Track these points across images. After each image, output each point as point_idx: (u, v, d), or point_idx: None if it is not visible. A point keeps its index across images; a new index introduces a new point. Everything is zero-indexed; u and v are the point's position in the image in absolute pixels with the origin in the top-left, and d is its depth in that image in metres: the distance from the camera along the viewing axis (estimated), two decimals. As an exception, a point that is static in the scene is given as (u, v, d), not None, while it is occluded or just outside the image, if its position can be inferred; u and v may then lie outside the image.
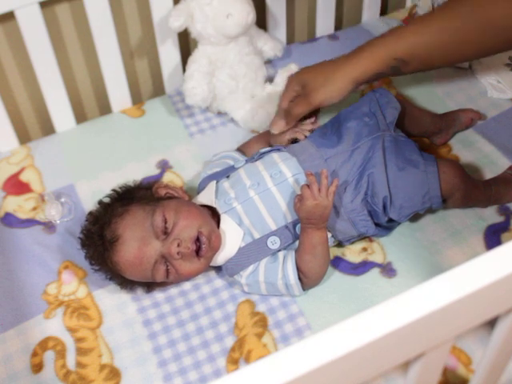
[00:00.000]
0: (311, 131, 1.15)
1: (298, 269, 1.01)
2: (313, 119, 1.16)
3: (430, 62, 1.05)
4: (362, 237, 1.10)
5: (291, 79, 1.13)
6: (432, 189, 1.06)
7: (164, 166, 1.28)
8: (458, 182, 1.07)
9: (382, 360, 0.58)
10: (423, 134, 1.24)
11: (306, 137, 1.14)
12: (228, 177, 1.11)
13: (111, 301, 1.07)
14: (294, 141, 1.14)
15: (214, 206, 1.06)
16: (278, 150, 1.12)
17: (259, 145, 1.19)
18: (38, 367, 1.00)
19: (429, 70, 1.10)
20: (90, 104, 1.46)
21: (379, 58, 1.04)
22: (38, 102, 1.37)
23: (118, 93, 1.37)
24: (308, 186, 0.99)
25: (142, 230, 1.00)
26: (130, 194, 1.09)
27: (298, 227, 1.03)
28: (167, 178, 1.25)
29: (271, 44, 1.40)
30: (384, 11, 1.61)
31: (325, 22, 1.52)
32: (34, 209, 1.21)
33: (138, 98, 1.47)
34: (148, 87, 1.51)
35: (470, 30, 1.00)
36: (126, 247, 0.99)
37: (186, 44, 1.44)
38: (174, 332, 1.03)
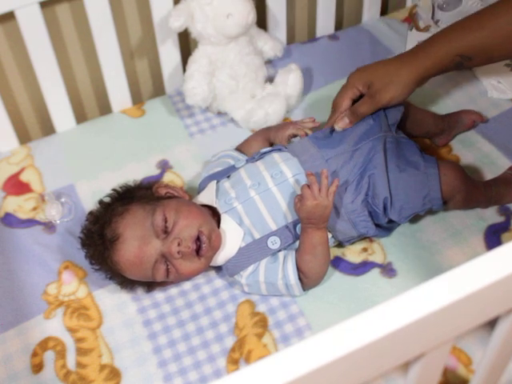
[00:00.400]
0: (312, 130, 1.15)
1: (299, 269, 1.01)
2: (313, 118, 1.16)
3: (493, 56, 1.05)
4: (362, 237, 1.10)
5: (353, 78, 1.11)
6: (432, 190, 1.06)
7: (164, 166, 1.28)
8: (458, 184, 1.07)
9: (382, 360, 0.58)
10: (425, 135, 1.24)
11: (306, 134, 1.14)
12: (228, 177, 1.11)
13: (111, 301, 1.07)
14: (294, 136, 1.16)
15: (215, 205, 1.06)
16: (279, 150, 1.12)
17: (258, 143, 1.19)
18: (38, 367, 1.00)
19: (490, 63, 1.09)
20: (90, 104, 1.46)
21: (443, 55, 1.04)
22: (38, 102, 1.37)
23: (118, 93, 1.37)
24: (308, 186, 0.99)
25: (142, 229, 1.00)
26: (131, 193, 1.09)
27: (298, 227, 1.03)
28: (167, 178, 1.25)
29: (271, 44, 1.40)
30: (384, 11, 1.61)
31: (325, 22, 1.52)
32: (34, 209, 1.21)
33: (138, 98, 1.47)
34: (148, 87, 1.51)
35: None
36: (126, 246, 0.99)
37: (186, 44, 1.44)
38: (174, 332, 1.03)
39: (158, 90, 1.49)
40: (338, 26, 1.59)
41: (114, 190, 1.10)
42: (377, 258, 1.09)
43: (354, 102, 1.12)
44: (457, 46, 1.03)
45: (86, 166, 1.28)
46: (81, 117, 1.43)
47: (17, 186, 1.26)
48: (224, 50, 1.29)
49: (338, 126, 1.11)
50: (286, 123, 1.21)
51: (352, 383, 0.58)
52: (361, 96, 1.11)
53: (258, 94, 1.33)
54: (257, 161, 1.11)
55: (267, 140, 1.19)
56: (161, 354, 1.00)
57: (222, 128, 1.34)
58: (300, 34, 1.61)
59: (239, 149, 1.21)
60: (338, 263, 1.09)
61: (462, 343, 0.96)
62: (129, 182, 1.13)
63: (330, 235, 1.05)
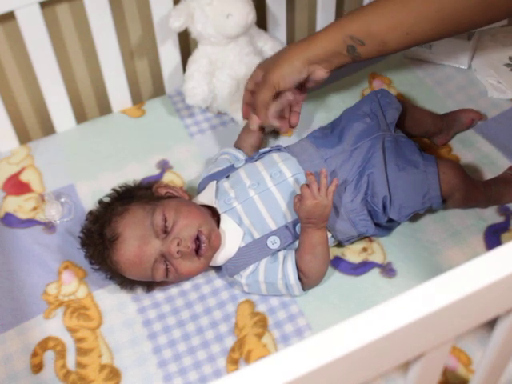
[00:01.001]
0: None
1: (298, 269, 1.01)
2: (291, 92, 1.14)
3: (385, 42, 1.05)
4: (362, 237, 1.10)
5: (257, 66, 1.15)
6: (432, 189, 1.06)
7: (164, 166, 1.28)
8: (457, 183, 1.07)
9: (382, 360, 0.58)
10: (424, 135, 1.24)
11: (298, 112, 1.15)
12: (228, 176, 1.11)
13: (111, 301, 1.07)
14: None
15: (214, 205, 1.06)
16: (278, 149, 1.12)
17: (250, 135, 1.19)
18: (37, 367, 1.00)
19: (386, 53, 1.09)
20: (90, 104, 1.46)
21: (334, 37, 1.05)
22: (38, 102, 1.37)
23: (118, 93, 1.37)
24: (307, 185, 0.99)
25: (141, 228, 1.00)
26: (130, 193, 1.09)
27: (297, 227, 1.03)
28: (167, 178, 1.25)
29: (271, 44, 1.40)
30: (384, 11, 1.61)
31: (325, 22, 1.51)
32: (34, 209, 1.21)
33: (138, 98, 1.47)
34: (148, 87, 1.51)
35: (426, 9, 1.00)
36: (125, 246, 0.99)
37: (186, 44, 1.44)
38: (174, 332, 1.03)
39: (158, 89, 1.49)
40: (338, 26, 1.59)
41: (113, 189, 1.11)
42: (377, 257, 1.09)
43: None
44: (348, 28, 1.04)
45: (86, 166, 1.28)
46: (81, 117, 1.43)
47: (17, 185, 1.26)
48: (224, 50, 1.29)
49: (252, 126, 1.13)
50: None
51: (352, 383, 0.58)
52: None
53: (258, 94, 1.33)
54: (256, 161, 1.12)
55: (258, 132, 1.19)
56: (161, 354, 1.00)
57: (222, 128, 1.34)
58: (300, 34, 1.61)
59: (237, 146, 1.21)
60: (337, 263, 1.09)
61: (462, 343, 0.96)
62: (129, 182, 1.13)
63: (329, 235, 1.05)
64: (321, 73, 1.09)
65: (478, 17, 1.00)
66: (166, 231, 1.00)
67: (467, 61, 1.38)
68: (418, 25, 1.02)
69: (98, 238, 1.02)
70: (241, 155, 1.17)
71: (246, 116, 1.18)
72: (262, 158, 1.12)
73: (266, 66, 1.11)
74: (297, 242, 1.04)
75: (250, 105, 1.15)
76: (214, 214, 1.06)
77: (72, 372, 0.99)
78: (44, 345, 1.02)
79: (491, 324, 0.68)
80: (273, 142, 1.27)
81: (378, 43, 1.05)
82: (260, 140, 1.21)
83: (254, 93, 1.14)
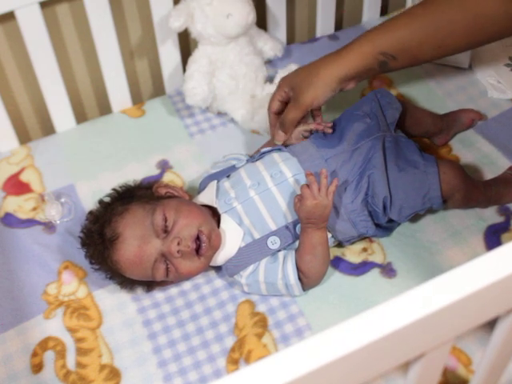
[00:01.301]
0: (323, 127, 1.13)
1: (298, 269, 1.01)
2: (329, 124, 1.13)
3: (417, 56, 1.05)
4: (362, 237, 1.10)
5: (281, 83, 1.12)
6: (432, 189, 1.06)
7: (164, 166, 1.28)
8: (458, 183, 1.07)
9: (382, 360, 0.58)
10: (424, 135, 1.24)
11: (317, 129, 1.12)
12: (229, 176, 1.11)
13: (111, 301, 1.07)
14: (307, 132, 1.13)
15: (215, 205, 1.06)
16: (279, 149, 1.12)
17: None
18: (38, 367, 1.00)
19: (417, 64, 1.08)
20: (90, 104, 1.46)
21: (366, 54, 1.03)
22: (38, 102, 1.37)
23: (118, 93, 1.37)
24: (308, 185, 0.99)
25: (142, 228, 1.00)
26: (131, 193, 1.09)
27: (298, 227, 1.03)
28: (167, 178, 1.25)
29: (271, 44, 1.40)
30: (384, 11, 1.61)
31: (325, 22, 1.52)
32: (34, 209, 1.21)
33: (138, 98, 1.47)
34: (148, 87, 1.51)
35: (458, 22, 0.99)
36: (126, 246, 0.99)
37: (186, 44, 1.44)
38: (174, 332, 1.03)
39: (158, 89, 1.49)
40: (338, 26, 1.59)
41: (113, 189, 1.11)
42: (377, 258, 1.09)
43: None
44: (379, 44, 1.02)
45: (86, 166, 1.28)
46: (81, 117, 1.43)
47: (17, 186, 1.26)
48: (224, 50, 1.29)
49: (277, 141, 1.11)
50: None
51: (352, 383, 0.58)
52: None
53: (258, 94, 1.33)
54: (257, 161, 1.12)
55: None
56: (161, 354, 1.00)
57: (222, 128, 1.34)
58: (300, 34, 1.61)
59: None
60: (337, 263, 1.09)
61: (462, 343, 0.96)
62: (129, 182, 1.13)
63: (329, 235, 1.05)
64: (350, 87, 1.08)
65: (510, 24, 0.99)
66: (166, 231, 1.00)
67: (467, 61, 1.38)
68: (451, 37, 1.01)
69: (98, 238, 1.02)
70: (243, 156, 1.17)
71: (277, 138, 1.13)
72: (262, 158, 1.12)
73: (295, 85, 1.07)
74: (297, 243, 1.04)
75: (274, 124, 1.13)
76: (214, 214, 1.06)
77: (72, 372, 0.99)
78: (44, 345, 1.02)
79: (491, 324, 0.68)
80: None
81: (409, 57, 1.04)
82: None
83: (278, 111, 1.13)
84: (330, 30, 1.54)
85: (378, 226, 1.08)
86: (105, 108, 1.44)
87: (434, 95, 1.35)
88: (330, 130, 1.11)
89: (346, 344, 0.53)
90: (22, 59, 1.30)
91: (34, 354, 1.01)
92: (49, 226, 1.18)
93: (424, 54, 1.04)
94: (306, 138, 1.14)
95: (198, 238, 1.00)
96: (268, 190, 1.05)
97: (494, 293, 0.58)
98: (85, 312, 1.06)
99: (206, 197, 1.09)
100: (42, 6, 1.21)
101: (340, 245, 1.10)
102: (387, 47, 1.02)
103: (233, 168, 1.13)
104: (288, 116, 1.09)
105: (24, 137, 1.40)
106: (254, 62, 1.31)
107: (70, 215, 1.20)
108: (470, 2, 0.98)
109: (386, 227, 1.09)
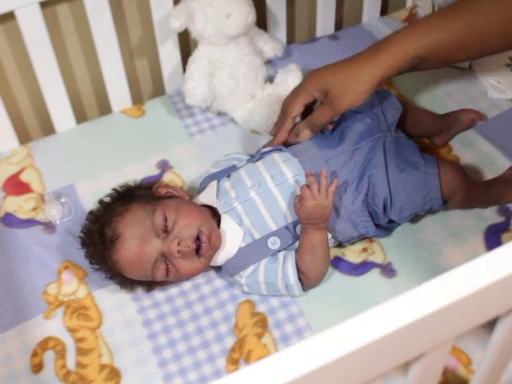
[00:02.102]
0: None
1: (298, 269, 1.01)
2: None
3: (448, 58, 1.03)
4: (363, 237, 1.10)
5: (308, 83, 1.07)
6: (432, 190, 1.06)
7: (164, 166, 1.28)
8: (458, 184, 1.07)
9: (382, 360, 0.58)
10: (424, 135, 1.24)
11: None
12: (229, 176, 1.11)
13: (111, 301, 1.07)
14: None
15: (215, 205, 1.06)
16: (280, 150, 1.12)
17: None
18: (38, 367, 1.00)
19: (445, 66, 1.07)
20: (90, 104, 1.46)
21: (401, 58, 1.00)
22: (38, 102, 1.37)
23: (118, 93, 1.37)
24: (308, 186, 0.99)
25: (142, 228, 1.00)
26: (131, 193, 1.09)
27: (298, 228, 1.03)
28: (167, 178, 1.25)
29: (271, 44, 1.40)
30: (384, 11, 1.61)
31: (325, 22, 1.52)
32: (34, 209, 1.21)
33: (138, 98, 1.47)
34: (148, 87, 1.51)
35: (496, 23, 0.97)
36: (126, 245, 0.99)
37: (187, 44, 1.44)
38: (174, 332, 1.03)
39: (158, 89, 1.49)
40: (338, 26, 1.59)
41: (114, 189, 1.11)
42: (377, 258, 1.09)
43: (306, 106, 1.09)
44: (414, 47, 1.00)
45: (86, 166, 1.28)
46: (81, 117, 1.43)
47: (17, 186, 1.26)
48: (224, 50, 1.29)
49: (301, 139, 1.09)
50: None
51: (352, 383, 0.58)
52: (314, 101, 1.08)
53: (258, 94, 1.33)
54: (257, 161, 1.12)
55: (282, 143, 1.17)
56: (161, 354, 1.00)
57: (222, 128, 1.34)
58: (300, 34, 1.61)
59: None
60: (337, 263, 1.09)
61: (462, 343, 0.96)
62: (129, 182, 1.13)
63: (329, 235, 1.05)
64: (379, 87, 1.06)
65: None
66: (166, 231, 1.00)
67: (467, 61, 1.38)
68: (490, 38, 0.99)
69: (98, 238, 1.02)
70: (243, 156, 1.17)
71: (304, 136, 1.10)
72: (263, 158, 1.12)
73: (330, 89, 1.03)
74: (297, 243, 1.04)
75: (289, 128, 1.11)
76: (214, 214, 1.06)
77: (72, 372, 0.99)
78: (44, 345, 1.02)
79: (491, 324, 0.68)
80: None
81: (442, 60, 1.03)
82: None
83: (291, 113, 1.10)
84: (330, 30, 1.54)
85: (378, 226, 1.08)
86: (105, 108, 1.44)
87: (434, 95, 1.35)
88: (330, 127, 1.11)
89: (346, 344, 0.53)
90: (22, 59, 1.30)
91: (34, 354, 1.01)
92: (49, 226, 1.18)
93: (456, 57, 1.03)
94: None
95: (198, 238, 1.00)
96: (268, 191, 1.05)
97: (494, 293, 0.58)
98: (85, 312, 1.06)
99: (207, 197, 1.08)
100: (42, 5, 1.21)
101: (340, 245, 1.10)
102: (422, 51, 0.99)
103: (233, 168, 1.12)
104: (320, 119, 1.06)
105: (24, 137, 1.40)
106: (254, 62, 1.31)
107: (70, 215, 1.20)
108: (503, 4, 0.96)
109: (386, 228, 1.09)
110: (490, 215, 1.13)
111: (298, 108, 1.08)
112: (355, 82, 1.01)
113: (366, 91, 1.02)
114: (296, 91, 1.09)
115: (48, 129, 1.40)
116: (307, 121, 1.08)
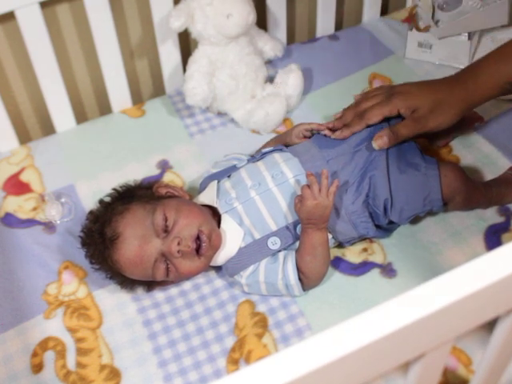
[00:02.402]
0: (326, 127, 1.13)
1: (299, 269, 1.01)
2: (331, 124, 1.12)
3: None
4: (363, 238, 1.10)
5: (399, 99, 1.07)
6: (433, 192, 1.06)
7: (164, 166, 1.28)
8: (459, 186, 1.07)
9: (383, 360, 0.58)
10: (424, 136, 1.24)
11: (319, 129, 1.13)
12: (229, 176, 1.11)
13: (111, 301, 1.07)
14: (308, 131, 1.14)
15: (215, 205, 1.06)
16: (280, 150, 1.12)
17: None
18: (38, 367, 1.00)
19: None
20: (90, 104, 1.46)
21: (493, 84, 1.01)
22: (38, 102, 1.37)
23: (118, 93, 1.37)
24: (308, 186, 0.99)
25: (142, 228, 1.00)
26: (131, 192, 1.09)
27: (298, 228, 1.03)
28: (167, 178, 1.25)
29: (271, 44, 1.40)
30: (384, 11, 1.61)
31: (325, 22, 1.52)
32: (34, 209, 1.21)
33: (138, 98, 1.47)
34: (148, 87, 1.51)
35: None
36: (126, 245, 0.99)
37: (187, 44, 1.44)
38: (174, 332, 1.03)
39: (158, 89, 1.49)
40: (338, 26, 1.59)
41: (114, 189, 1.11)
42: (377, 258, 1.09)
43: None
44: (506, 74, 1.00)
45: (86, 166, 1.28)
46: (81, 117, 1.43)
47: (17, 186, 1.26)
48: (224, 50, 1.29)
49: (377, 145, 1.07)
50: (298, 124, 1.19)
51: (352, 383, 0.58)
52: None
53: (258, 94, 1.33)
54: (258, 161, 1.11)
55: (281, 143, 1.17)
56: (161, 354, 1.00)
57: (222, 128, 1.34)
58: (300, 34, 1.61)
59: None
60: (338, 263, 1.09)
61: (462, 343, 0.96)
62: (129, 182, 1.13)
63: (330, 236, 1.05)
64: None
65: None
66: (166, 230, 1.00)
67: (467, 61, 1.38)
68: None
69: (98, 238, 1.02)
70: (244, 156, 1.17)
71: (381, 144, 1.07)
72: (263, 158, 1.12)
73: (419, 109, 1.05)
74: (297, 243, 1.03)
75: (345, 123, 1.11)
76: (214, 214, 1.06)
77: (72, 372, 0.99)
78: (44, 345, 1.02)
79: (491, 324, 0.68)
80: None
81: None
82: None
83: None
84: (330, 30, 1.54)
85: (378, 227, 1.08)
86: (105, 108, 1.44)
87: (434, 95, 1.35)
88: (329, 133, 1.10)
89: (346, 344, 0.53)
90: (22, 59, 1.30)
91: (34, 354, 1.01)
92: (49, 226, 1.18)
93: None
94: (306, 137, 1.14)
95: (198, 238, 1.00)
96: (269, 191, 1.05)
97: (494, 293, 0.58)
98: (85, 312, 1.06)
99: (207, 197, 1.08)
100: (42, 5, 1.21)
101: (340, 245, 1.10)
102: None
103: (234, 168, 1.12)
104: (403, 131, 1.06)
105: (24, 137, 1.40)
106: (254, 62, 1.31)
107: (70, 215, 1.20)
108: None
109: (386, 228, 1.09)
110: (490, 215, 1.13)
111: (378, 119, 1.08)
112: (446, 107, 1.03)
113: (455, 115, 1.04)
114: (382, 103, 1.09)
115: (48, 129, 1.40)
116: (390, 129, 1.07)
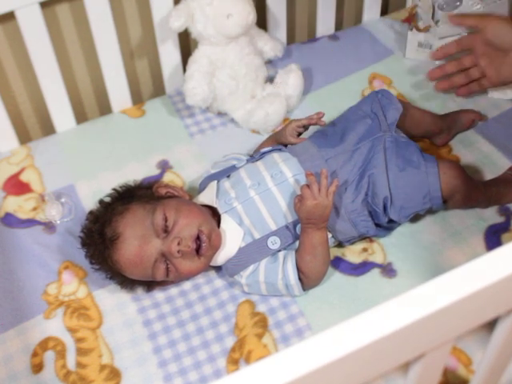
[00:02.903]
0: (319, 120, 1.13)
1: (299, 269, 1.01)
2: (321, 113, 1.14)
3: None
4: (363, 237, 1.10)
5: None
6: (432, 190, 1.06)
7: (164, 166, 1.28)
8: (458, 183, 1.07)
9: (383, 360, 0.58)
10: (424, 135, 1.24)
11: (311, 123, 1.13)
12: (229, 176, 1.11)
13: (111, 301, 1.07)
14: (301, 128, 1.14)
15: (215, 205, 1.06)
16: (279, 150, 1.12)
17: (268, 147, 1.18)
18: (38, 367, 1.00)
19: None
20: (90, 104, 1.46)
21: None
22: (37, 102, 1.37)
23: (118, 93, 1.37)
24: (308, 185, 0.99)
25: (142, 228, 1.00)
26: (131, 193, 1.09)
27: (298, 227, 1.03)
28: (167, 178, 1.25)
29: (271, 44, 1.40)
30: (385, 11, 1.61)
31: (325, 23, 1.52)
32: (34, 209, 1.21)
33: (138, 98, 1.47)
34: (148, 87, 1.51)
35: None
36: (126, 245, 0.99)
37: (187, 44, 1.44)
38: (174, 332, 1.03)
39: (158, 90, 1.49)
40: (338, 26, 1.59)
41: (114, 189, 1.11)
42: (377, 258, 1.09)
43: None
44: None
45: (86, 166, 1.28)
46: (81, 117, 1.43)
47: (17, 186, 1.26)
48: (224, 50, 1.29)
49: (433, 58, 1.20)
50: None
51: (352, 383, 0.58)
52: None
53: (258, 94, 1.33)
54: (257, 161, 1.12)
55: (276, 142, 1.17)
56: (161, 354, 1.00)
57: (222, 128, 1.34)
58: (300, 34, 1.61)
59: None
60: (338, 263, 1.09)
61: (462, 343, 0.96)
62: (129, 182, 1.13)
63: (330, 235, 1.05)
64: None
65: None
66: (166, 231, 1.00)
67: (467, 61, 1.38)
68: None
69: (98, 238, 1.02)
70: (243, 156, 1.17)
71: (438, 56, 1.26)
72: (262, 158, 1.12)
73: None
74: (297, 243, 1.03)
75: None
76: (214, 214, 1.06)
77: (72, 372, 0.99)
78: (44, 345, 1.02)
79: (491, 324, 0.68)
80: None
81: None
82: None
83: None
84: (330, 30, 1.54)
85: (378, 226, 1.08)
86: (105, 108, 1.44)
87: (434, 95, 1.35)
88: (323, 122, 1.11)
89: (346, 344, 0.53)
90: (22, 59, 1.30)
91: (34, 354, 1.01)
92: (49, 226, 1.18)
93: None
94: (300, 134, 1.14)
95: (198, 238, 1.00)
96: (268, 190, 1.05)
97: (494, 293, 0.58)
98: (85, 312, 1.06)
99: (207, 197, 1.09)
100: (42, 5, 1.21)
101: (340, 245, 1.10)
102: None
103: (233, 168, 1.12)
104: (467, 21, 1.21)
105: (24, 137, 1.40)
106: (254, 62, 1.31)
107: (70, 215, 1.20)
108: None
109: (386, 227, 1.09)
110: (490, 215, 1.13)
111: (453, 49, 1.25)
112: None
113: None
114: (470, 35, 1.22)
115: (48, 129, 1.40)
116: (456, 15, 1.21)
